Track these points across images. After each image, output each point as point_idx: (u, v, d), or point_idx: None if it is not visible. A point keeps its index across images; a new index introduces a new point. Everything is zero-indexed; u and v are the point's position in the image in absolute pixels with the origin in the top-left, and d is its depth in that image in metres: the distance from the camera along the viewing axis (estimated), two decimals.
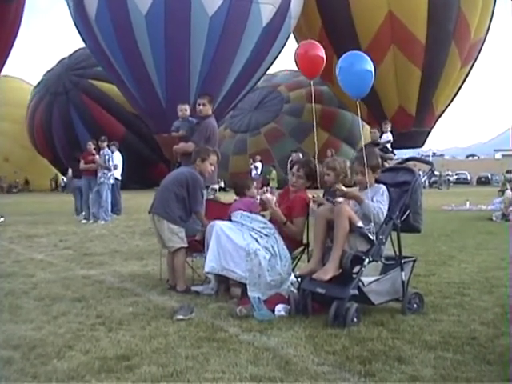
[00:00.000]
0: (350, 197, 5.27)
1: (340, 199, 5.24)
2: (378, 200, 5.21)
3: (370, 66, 5.83)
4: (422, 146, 35.31)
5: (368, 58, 5.87)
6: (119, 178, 17.03)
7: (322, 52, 7.15)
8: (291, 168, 6.44)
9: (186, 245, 6.37)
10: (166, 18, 22.33)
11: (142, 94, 24.75)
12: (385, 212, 5.17)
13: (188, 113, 9.25)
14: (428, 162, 6.22)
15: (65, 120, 37.64)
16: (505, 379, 3.63)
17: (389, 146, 14.02)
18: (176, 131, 9.14)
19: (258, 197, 6.37)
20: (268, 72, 34.36)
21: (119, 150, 16.96)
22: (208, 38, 22.86)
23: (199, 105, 8.57)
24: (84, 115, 37.14)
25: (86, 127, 36.69)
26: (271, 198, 6.13)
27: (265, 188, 6.63)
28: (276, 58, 26.78)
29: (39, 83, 42.33)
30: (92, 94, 36.79)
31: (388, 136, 14.06)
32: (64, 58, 41.47)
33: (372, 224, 5.15)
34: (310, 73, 7.43)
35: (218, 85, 24.16)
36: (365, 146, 12.52)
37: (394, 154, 14.33)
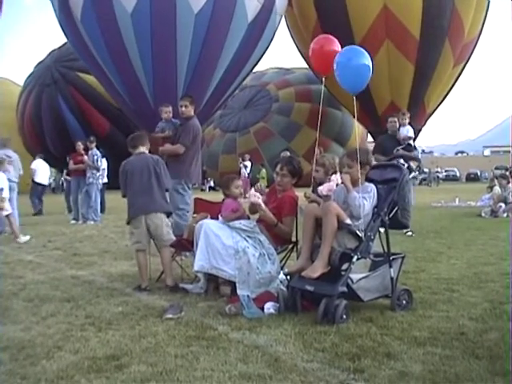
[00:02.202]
0: (344, 182, 5.31)
1: (321, 187, 5.28)
2: (364, 196, 5.22)
3: (367, 61, 5.82)
4: None
5: (365, 52, 5.85)
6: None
7: (338, 46, 6.83)
8: (275, 167, 6.44)
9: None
10: (152, 16, 22.21)
11: (130, 93, 24.61)
12: (366, 208, 5.19)
13: (171, 115, 9.37)
14: (415, 159, 6.25)
15: (53, 111, 37.18)
16: (493, 373, 3.64)
17: (410, 142, 11.64)
18: (161, 132, 9.26)
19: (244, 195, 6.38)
20: (257, 70, 34.26)
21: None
22: (194, 35, 22.77)
23: (181, 107, 8.75)
24: (72, 107, 36.80)
25: (76, 118, 36.44)
26: (256, 200, 6.08)
27: (253, 190, 6.48)
28: (263, 54, 26.71)
29: (29, 75, 42.02)
30: (78, 86, 36.43)
31: (408, 130, 11.63)
32: (54, 50, 41.19)
33: (361, 221, 5.18)
34: (324, 69, 7.03)
35: (205, 82, 24.10)
36: (381, 137, 11.81)
37: (417, 151, 12.20)
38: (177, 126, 9.05)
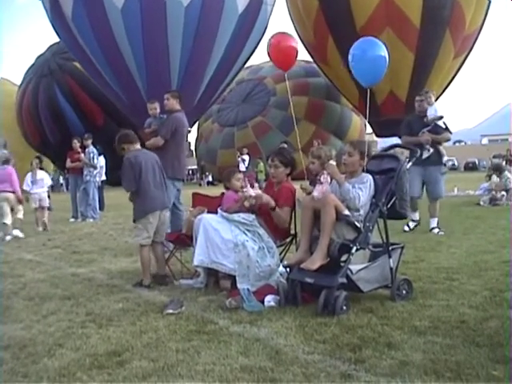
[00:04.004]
0: (333, 176, 5.31)
1: (315, 193, 5.28)
2: (359, 187, 5.22)
3: (383, 52, 5.82)
4: None
5: (382, 44, 5.85)
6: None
7: (295, 42, 7.01)
8: (267, 161, 6.46)
9: None
10: (142, 10, 22.15)
11: (124, 89, 24.58)
12: (362, 199, 5.19)
13: (158, 110, 9.44)
14: (413, 149, 6.22)
15: (50, 101, 37.01)
16: (494, 361, 3.65)
17: (440, 122, 10.28)
18: (148, 128, 9.33)
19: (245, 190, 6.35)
20: (254, 63, 34.06)
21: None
22: (185, 28, 22.71)
23: (164, 99, 8.85)
24: (68, 96, 36.67)
25: (72, 108, 36.34)
26: (248, 194, 6.07)
27: (248, 187, 6.42)
28: (257, 46, 26.62)
29: (29, 68, 41.99)
30: (75, 76, 36.26)
31: (436, 110, 10.37)
32: (54, 44, 41.14)
33: (362, 212, 5.18)
34: (284, 65, 7.28)
35: (199, 75, 24.04)
36: (408, 117, 10.98)
37: (451, 133, 10.71)
38: (163, 120, 9.11)
